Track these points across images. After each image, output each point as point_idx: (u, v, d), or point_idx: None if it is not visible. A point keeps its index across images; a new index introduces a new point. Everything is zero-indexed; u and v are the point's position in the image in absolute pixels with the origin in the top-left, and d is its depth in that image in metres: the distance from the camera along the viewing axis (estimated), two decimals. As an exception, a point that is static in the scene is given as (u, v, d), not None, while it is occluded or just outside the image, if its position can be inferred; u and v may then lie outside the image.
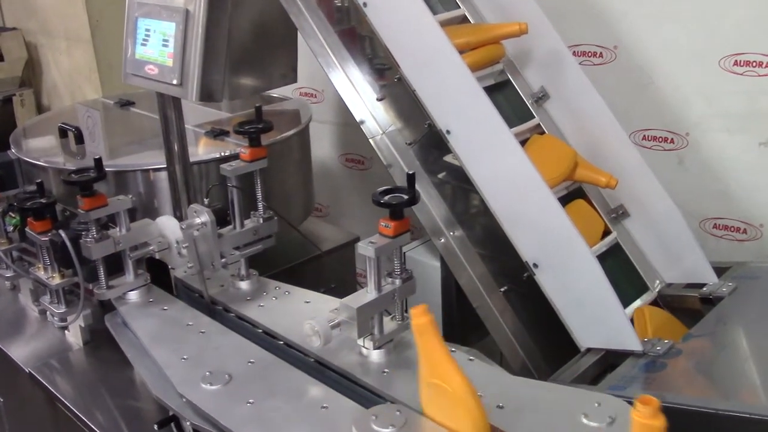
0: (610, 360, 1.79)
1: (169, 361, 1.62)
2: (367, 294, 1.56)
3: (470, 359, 1.58)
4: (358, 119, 2.11)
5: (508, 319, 2.02)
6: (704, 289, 1.97)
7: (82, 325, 2.00)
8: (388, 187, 1.58)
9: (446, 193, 2.10)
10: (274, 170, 2.50)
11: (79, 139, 2.39)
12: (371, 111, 2.12)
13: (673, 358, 1.68)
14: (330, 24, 2.19)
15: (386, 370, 1.56)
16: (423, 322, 1.27)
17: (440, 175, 2.11)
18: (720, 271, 2.07)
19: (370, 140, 2.11)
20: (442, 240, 2.06)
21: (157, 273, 2.00)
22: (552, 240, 1.81)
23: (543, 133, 2.15)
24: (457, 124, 1.91)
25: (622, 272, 2.05)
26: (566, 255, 1.79)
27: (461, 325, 2.17)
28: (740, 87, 2.26)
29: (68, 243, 1.84)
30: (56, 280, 1.97)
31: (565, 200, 2.02)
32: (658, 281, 2.08)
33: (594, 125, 2.08)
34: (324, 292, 1.93)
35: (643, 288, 2.06)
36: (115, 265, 1.92)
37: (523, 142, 2.02)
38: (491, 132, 1.83)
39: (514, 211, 1.87)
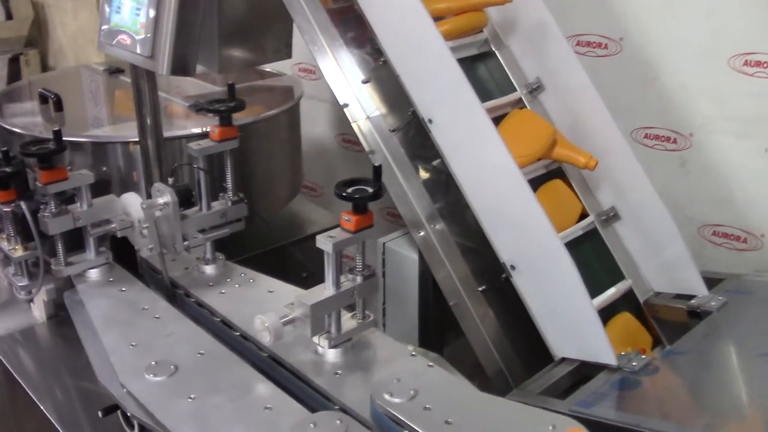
0: (584, 371, 1.71)
1: (116, 346, 1.55)
2: (323, 290, 1.48)
3: (429, 365, 1.50)
4: (341, 102, 2.02)
5: (485, 321, 1.93)
6: (692, 301, 1.87)
7: (45, 299, 1.94)
8: (353, 177, 1.49)
9: (430, 184, 2.01)
10: (259, 148, 2.43)
11: (58, 106, 2.31)
12: (356, 94, 2.03)
13: (648, 375, 1.58)
14: (320, 1, 2.09)
15: (339, 371, 1.48)
16: None
17: (425, 165, 2.02)
18: (713, 282, 1.97)
19: (353, 124, 2.02)
20: (422, 233, 1.97)
21: (127, 251, 1.94)
22: (530, 243, 1.72)
23: (524, 107, 2.04)
24: (439, 113, 1.81)
25: (597, 258, 1.97)
26: (544, 260, 1.70)
27: (438, 323, 2.09)
28: (749, 88, 2.13)
29: (28, 215, 1.77)
30: (18, 252, 1.91)
31: (543, 179, 1.95)
32: (633, 280, 1.98)
33: (581, 111, 1.98)
34: (306, 278, 1.86)
35: (618, 276, 1.97)
36: (79, 241, 1.85)
37: (502, 116, 1.92)
38: (474, 125, 1.74)
39: (494, 208, 1.78)
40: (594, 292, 1.79)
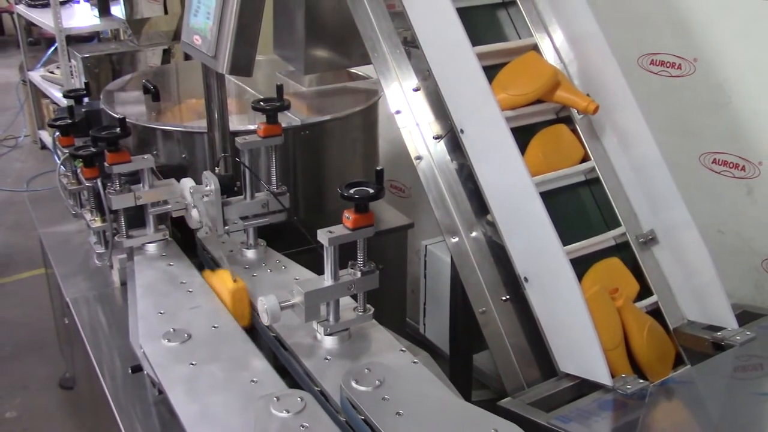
0: (585, 389, 1.71)
1: (147, 312, 1.75)
2: (323, 281, 1.60)
3: (414, 362, 1.58)
4: (393, 109, 2.11)
5: (508, 330, 1.96)
6: (719, 333, 1.81)
7: (119, 267, 2.19)
8: (359, 180, 1.60)
9: (469, 192, 2.07)
10: (330, 146, 2.58)
11: (156, 97, 2.58)
12: (408, 101, 2.12)
13: (638, 400, 1.58)
14: (387, 9, 2.20)
15: (329, 357, 1.60)
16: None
17: (466, 173, 2.08)
18: (755, 318, 1.90)
19: (402, 130, 2.11)
20: (455, 239, 2.03)
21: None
22: (540, 257, 1.75)
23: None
24: (469, 124, 1.87)
25: (596, 204, 1.98)
26: (551, 274, 1.73)
27: (468, 329, 2.14)
28: (822, 118, 2.03)
29: (102, 192, 2.01)
30: (97, 223, 2.17)
31: (547, 125, 1.98)
32: (661, 298, 1.94)
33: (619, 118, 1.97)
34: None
35: (614, 223, 1.95)
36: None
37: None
38: (495, 137, 1.78)
39: (511, 220, 1.82)
40: (589, 234, 1.87)
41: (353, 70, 2.91)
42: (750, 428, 1.44)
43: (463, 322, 2.14)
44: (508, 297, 1.95)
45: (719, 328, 1.85)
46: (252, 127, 2.19)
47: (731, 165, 2.26)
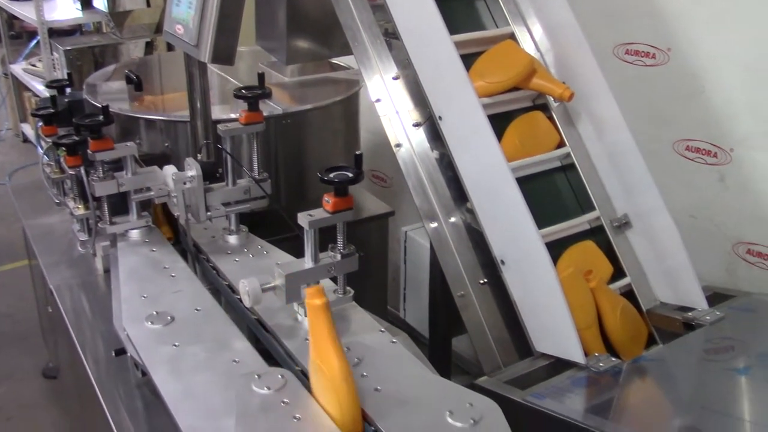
0: (559, 368, 1.76)
1: (130, 296, 1.78)
2: (303, 263, 1.64)
3: (393, 341, 1.62)
4: (374, 98, 2.15)
5: (486, 313, 2.00)
6: (690, 314, 1.87)
7: (101, 254, 2.21)
8: (338, 165, 1.63)
9: (448, 178, 2.11)
10: (311, 135, 2.61)
11: (138, 87, 2.60)
12: (388, 90, 2.15)
13: (610, 377, 1.63)
14: (368, 2, 2.23)
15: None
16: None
17: (445, 160, 2.12)
18: (725, 299, 1.95)
19: (382, 118, 2.14)
20: (434, 225, 2.07)
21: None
22: (516, 239, 1.79)
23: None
24: (448, 111, 1.91)
25: (571, 189, 2.02)
26: (526, 256, 1.77)
27: (446, 312, 2.18)
28: (792, 106, 2.08)
29: (85, 179, 2.03)
30: (80, 211, 2.19)
31: (524, 112, 2.03)
32: (634, 279, 1.99)
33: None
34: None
35: (589, 207, 2.00)
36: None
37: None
38: (473, 123, 1.83)
39: (488, 204, 1.86)
40: (564, 218, 1.93)
41: (335, 60, 2.94)
42: (718, 401, 1.49)
43: (442, 306, 2.18)
44: (485, 280, 2.00)
45: (690, 309, 1.90)
46: (234, 116, 2.22)
47: (704, 152, 2.31)
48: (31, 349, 3.40)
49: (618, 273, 1.97)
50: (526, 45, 2.13)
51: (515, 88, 2.00)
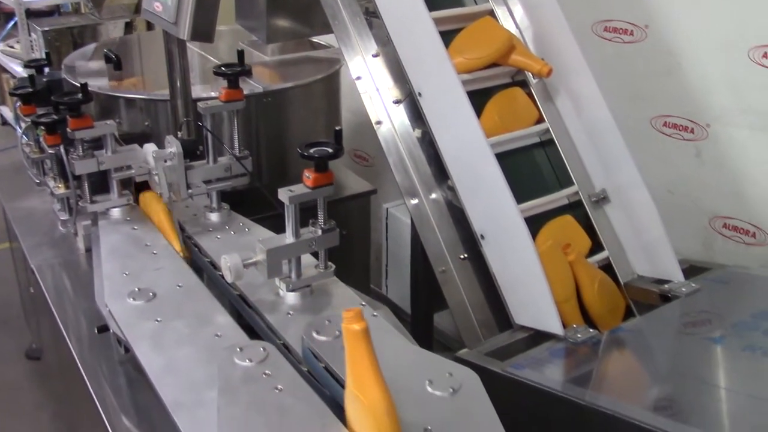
0: (538, 340, 1.79)
1: (112, 273, 1.78)
2: (284, 239, 1.65)
3: (374, 315, 1.63)
4: (354, 75, 2.16)
5: (467, 288, 2.02)
6: (666, 286, 1.90)
7: (82, 233, 2.21)
8: (318, 140, 1.64)
9: (428, 155, 2.12)
10: (292, 113, 2.61)
11: (118, 66, 2.58)
12: (368, 67, 2.16)
13: (588, 347, 1.66)
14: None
15: (291, 312, 1.65)
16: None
17: (426, 137, 2.13)
18: (701, 271, 1.99)
19: (363, 95, 2.15)
20: (415, 201, 2.09)
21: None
22: (495, 213, 1.81)
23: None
24: (427, 87, 1.92)
25: (551, 165, 2.05)
26: (505, 230, 1.79)
27: (428, 288, 2.20)
28: (766, 81, 2.11)
29: (65, 158, 2.03)
30: (61, 190, 2.19)
31: (503, 88, 2.05)
32: (611, 252, 2.02)
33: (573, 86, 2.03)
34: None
35: (567, 182, 2.03)
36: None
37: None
38: (452, 99, 1.84)
39: (467, 179, 1.88)
40: (543, 193, 1.96)
41: (315, 39, 2.94)
42: (693, 369, 1.52)
43: (424, 282, 2.20)
44: (466, 256, 2.02)
45: (667, 282, 1.93)
46: (214, 95, 2.22)
47: (681, 128, 2.34)
48: (14, 332, 3.40)
49: (596, 247, 2.00)
50: (506, 22, 2.14)
51: (494, 65, 2.01)
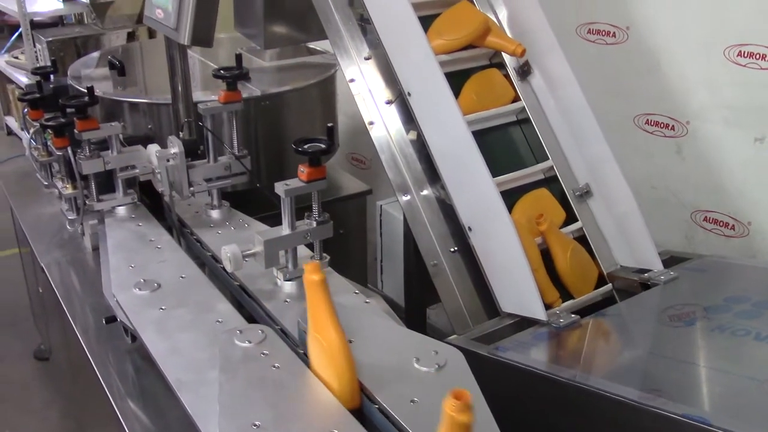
0: (524, 326, 1.88)
1: (118, 266, 1.88)
2: (281, 230, 1.74)
3: (366, 302, 1.73)
4: (348, 77, 2.25)
5: (458, 280, 2.11)
6: (646, 275, 1.99)
7: (89, 232, 2.31)
8: (312, 136, 1.74)
9: (419, 153, 2.22)
10: (289, 116, 2.71)
11: (121, 71, 2.69)
12: (360, 69, 2.26)
13: (569, 331, 1.75)
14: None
15: (288, 300, 1.74)
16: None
17: (417, 135, 2.22)
18: (680, 261, 2.08)
19: (356, 97, 2.25)
20: (407, 197, 2.18)
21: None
22: (480, 205, 1.90)
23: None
24: (415, 86, 2.02)
25: (527, 142, 2.13)
26: (491, 222, 1.88)
27: (420, 281, 2.29)
28: (742, 79, 2.21)
29: (72, 158, 2.13)
30: (69, 190, 2.29)
31: (481, 70, 2.14)
32: (599, 251, 2.11)
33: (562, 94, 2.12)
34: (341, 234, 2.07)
35: (543, 157, 2.11)
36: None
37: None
38: (438, 97, 1.93)
39: (454, 173, 1.97)
40: (519, 167, 2.06)
41: (312, 45, 3.04)
42: (669, 349, 1.61)
43: (417, 275, 2.29)
44: (456, 248, 2.11)
45: (647, 271, 2.02)
46: (214, 98, 2.32)
47: (662, 125, 2.43)
48: (23, 334, 3.49)
49: (570, 219, 2.09)
50: (483, 7, 2.24)
51: (472, 46, 2.12)
